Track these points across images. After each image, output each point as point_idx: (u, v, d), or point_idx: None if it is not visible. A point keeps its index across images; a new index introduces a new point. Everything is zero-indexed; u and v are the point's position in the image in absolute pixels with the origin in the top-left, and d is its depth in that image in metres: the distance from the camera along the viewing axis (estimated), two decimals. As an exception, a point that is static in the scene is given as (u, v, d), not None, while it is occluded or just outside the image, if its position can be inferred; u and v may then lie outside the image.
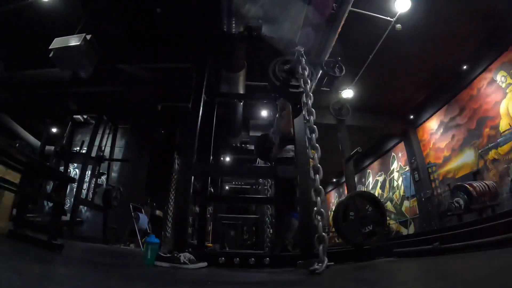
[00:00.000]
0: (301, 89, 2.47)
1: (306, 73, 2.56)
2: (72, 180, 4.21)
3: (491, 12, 5.62)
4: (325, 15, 3.75)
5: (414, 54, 6.54)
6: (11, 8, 4.57)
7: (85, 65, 4.43)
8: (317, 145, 2.12)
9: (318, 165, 2.01)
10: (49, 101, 5.95)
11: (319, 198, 1.85)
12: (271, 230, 5.15)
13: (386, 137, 10.55)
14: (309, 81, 2.51)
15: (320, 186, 1.92)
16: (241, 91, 4.82)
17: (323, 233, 1.72)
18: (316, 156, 2.06)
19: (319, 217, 1.79)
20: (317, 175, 1.97)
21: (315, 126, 2.18)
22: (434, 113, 8.29)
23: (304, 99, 2.34)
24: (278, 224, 2.98)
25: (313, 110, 2.27)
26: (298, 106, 2.69)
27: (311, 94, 2.37)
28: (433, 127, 8.38)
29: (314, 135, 2.14)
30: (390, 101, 8.39)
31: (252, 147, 6.85)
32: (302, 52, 2.69)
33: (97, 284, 1.23)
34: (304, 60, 2.64)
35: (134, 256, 3.52)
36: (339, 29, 4.00)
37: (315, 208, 1.83)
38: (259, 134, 5.02)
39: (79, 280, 1.25)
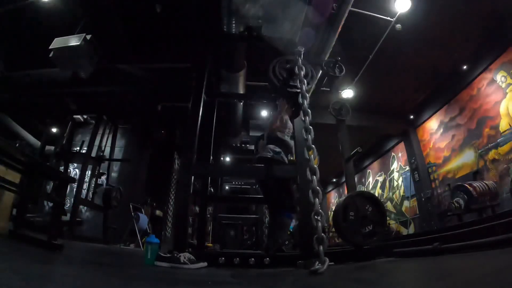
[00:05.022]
0: (298, 89, 2.46)
1: (303, 73, 2.55)
2: (72, 180, 4.21)
3: (491, 12, 5.62)
4: (325, 15, 3.75)
5: (414, 54, 6.54)
6: (11, 8, 4.57)
7: (85, 65, 4.43)
8: (313, 146, 2.09)
9: (315, 166, 1.97)
10: (49, 101, 5.95)
11: (317, 200, 1.83)
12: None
13: (386, 137, 10.55)
14: (305, 81, 2.50)
15: (318, 187, 1.88)
16: (241, 91, 4.82)
17: (322, 234, 1.71)
18: (312, 156, 2.03)
19: (318, 218, 1.77)
20: (314, 176, 1.92)
21: (310, 127, 2.16)
22: (434, 113, 8.29)
23: (299, 99, 2.32)
24: (271, 224, 2.96)
25: (309, 110, 2.24)
26: (296, 106, 2.68)
27: (307, 94, 2.35)
28: (433, 127, 8.38)
29: (310, 135, 2.12)
30: (390, 101, 8.39)
31: (252, 147, 6.86)
32: (302, 52, 2.68)
33: (97, 284, 1.23)
34: (300, 60, 2.63)
35: (134, 256, 3.52)
36: (339, 29, 4.00)
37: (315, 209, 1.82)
38: (259, 134, 5.02)
39: (79, 280, 1.24)
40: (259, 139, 4.01)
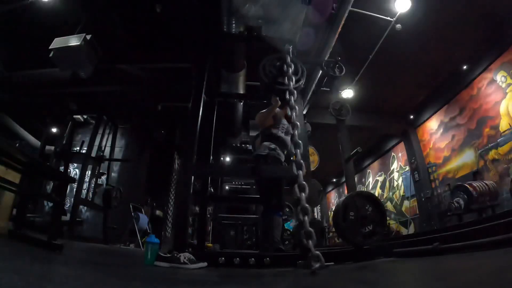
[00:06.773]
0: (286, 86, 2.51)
1: (291, 70, 2.59)
2: (72, 180, 4.21)
3: (491, 12, 5.62)
4: (325, 15, 3.75)
5: (414, 54, 6.54)
6: (11, 8, 4.57)
7: (85, 65, 4.44)
8: (299, 141, 2.15)
9: (301, 161, 2.06)
10: (49, 101, 5.95)
11: (303, 194, 1.87)
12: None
13: (386, 137, 10.55)
14: (293, 77, 2.54)
15: (304, 182, 1.96)
16: (241, 91, 4.82)
17: (310, 228, 1.74)
18: (299, 152, 2.09)
19: (304, 212, 1.81)
20: (300, 171, 2.01)
21: (297, 122, 2.21)
22: (434, 113, 8.28)
23: (287, 95, 2.37)
24: (263, 223, 2.99)
25: (296, 106, 2.31)
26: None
27: (295, 91, 2.41)
28: (433, 127, 8.38)
29: (296, 131, 2.17)
30: (390, 101, 8.39)
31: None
32: (290, 49, 2.73)
33: (97, 284, 1.23)
34: (289, 58, 2.67)
35: (134, 256, 3.52)
36: (339, 29, 4.00)
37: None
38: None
39: (79, 280, 1.24)
40: (256, 138, 4.02)
